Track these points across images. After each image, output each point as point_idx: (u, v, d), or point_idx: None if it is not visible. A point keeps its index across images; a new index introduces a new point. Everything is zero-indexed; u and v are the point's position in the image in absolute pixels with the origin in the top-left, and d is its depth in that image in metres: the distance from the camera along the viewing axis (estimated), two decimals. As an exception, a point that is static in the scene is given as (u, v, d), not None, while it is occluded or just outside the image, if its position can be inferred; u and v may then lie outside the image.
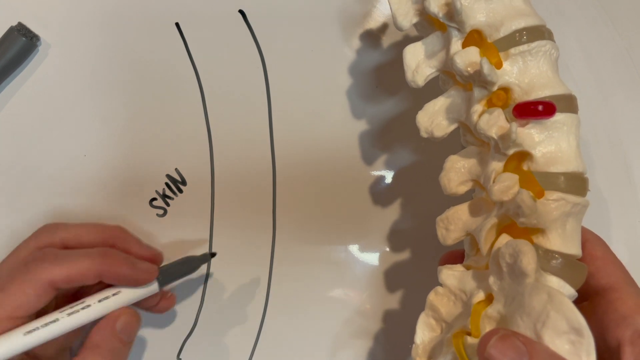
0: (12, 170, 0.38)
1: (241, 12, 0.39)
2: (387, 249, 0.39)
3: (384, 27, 0.39)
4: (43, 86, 0.38)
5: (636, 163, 0.39)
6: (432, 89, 0.32)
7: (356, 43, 0.39)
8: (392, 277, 0.40)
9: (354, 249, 0.39)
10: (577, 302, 0.26)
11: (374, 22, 0.39)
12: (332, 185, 0.39)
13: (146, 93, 0.39)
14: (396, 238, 0.39)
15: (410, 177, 0.39)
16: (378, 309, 0.39)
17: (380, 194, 0.39)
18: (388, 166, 0.39)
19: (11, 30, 0.37)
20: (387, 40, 0.39)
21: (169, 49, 0.39)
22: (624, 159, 0.39)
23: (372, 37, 0.39)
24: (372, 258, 0.39)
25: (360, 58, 0.39)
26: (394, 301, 0.39)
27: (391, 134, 0.39)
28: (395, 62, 0.39)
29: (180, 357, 0.39)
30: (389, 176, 0.39)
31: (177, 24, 0.39)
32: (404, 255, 0.40)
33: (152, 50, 0.39)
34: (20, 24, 0.38)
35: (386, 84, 0.39)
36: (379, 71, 0.39)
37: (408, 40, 0.39)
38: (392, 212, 0.39)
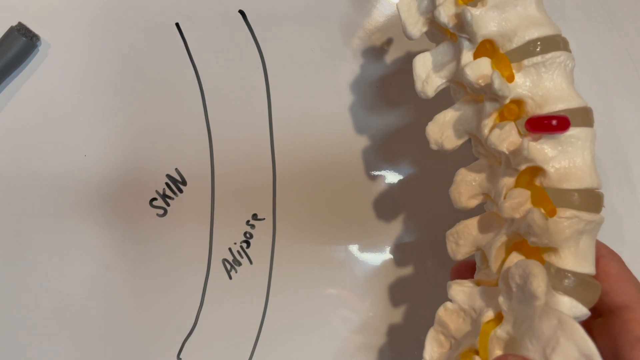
0: (12, 170, 0.38)
1: (241, 12, 0.38)
2: (390, 248, 0.39)
3: (384, 27, 0.38)
4: (43, 86, 0.37)
5: (636, 163, 0.38)
6: (438, 94, 0.32)
7: (357, 43, 0.38)
8: (396, 277, 0.39)
9: (354, 249, 0.38)
10: (592, 319, 0.25)
11: (375, 22, 0.38)
12: (332, 185, 0.38)
13: (146, 93, 0.38)
14: (401, 236, 0.39)
15: (415, 176, 0.38)
16: (381, 307, 0.39)
17: (382, 193, 0.38)
18: (390, 166, 0.38)
19: (11, 30, 0.36)
20: (387, 40, 0.39)
21: (169, 49, 0.38)
22: (624, 159, 0.38)
23: (373, 37, 0.38)
24: (373, 258, 0.39)
25: (361, 58, 0.38)
26: (397, 300, 0.39)
27: (393, 133, 0.38)
28: (396, 62, 0.39)
29: (180, 357, 0.39)
30: (390, 176, 0.38)
31: (177, 24, 0.38)
32: (407, 254, 0.39)
33: (152, 50, 0.38)
34: (20, 24, 0.37)
35: (387, 84, 0.38)
36: (380, 71, 0.38)
37: (409, 40, 0.39)
38: (395, 212, 0.38)
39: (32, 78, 0.38)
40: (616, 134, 0.38)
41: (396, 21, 0.38)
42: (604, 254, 0.28)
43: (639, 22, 0.38)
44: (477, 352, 0.25)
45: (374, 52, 0.38)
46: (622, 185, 0.38)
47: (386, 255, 0.39)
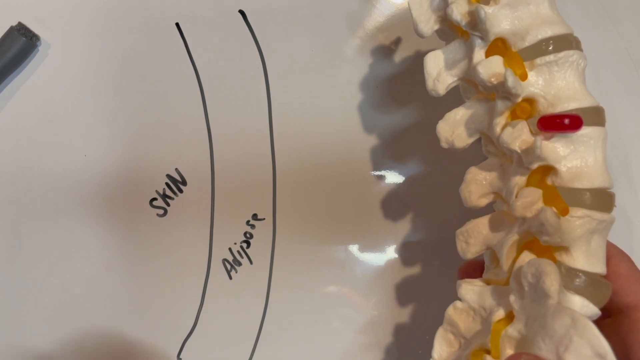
0: (12, 170, 0.38)
1: (241, 12, 0.38)
2: (397, 247, 0.38)
3: (384, 27, 0.38)
4: (43, 86, 0.37)
5: (636, 163, 0.38)
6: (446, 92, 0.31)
7: (356, 43, 0.38)
8: (403, 276, 0.38)
9: (354, 248, 0.38)
10: (601, 319, 0.25)
11: (375, 22, 0.38)
12: (333, 185, 0.38)
13: (146, 93, 0.38)
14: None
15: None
16: (386, 306, 0.38)
17: (389, 192, 0.38)
18: (397, 165, 0.38)
19: (11, 30, 0.36)
20: (388, 40, 0.39)
21: (169, 49, 0.37)
22: (624, 158, 0.38)
23: (373, 37, 0.38)
24: (376, 257, 0.38)
25: (361, 58, 0.38)
26: (403, 299, 0.38)
27: (393, 132, 0.38)
28: (397, 60, 0.38)
29: (180, 357, 0.39)
30: (398, 174, 0.38)
31: (177, 24, 0.38)
32: (415, 253, 0.38)
33: (152, 50, 0.37)
34: (20, 24, 0.36)
35: (388, 83, 0.38)
36: (380, 71, 0.38)
37: (409, 39, 0.39)
38: (403, 210, 0.38)
39: (32, 78, 0.38)
40: (616, 134, 0.38)
41: (397, 21, 0.38)
42: (614, 254, 0.28)
43: (639, 22, 0.38)
44: (487, 351, 0.25)
45: (375, 51, 0.38)
46: (622, 185, 0.38)
47: (393, 254, 0.39)
